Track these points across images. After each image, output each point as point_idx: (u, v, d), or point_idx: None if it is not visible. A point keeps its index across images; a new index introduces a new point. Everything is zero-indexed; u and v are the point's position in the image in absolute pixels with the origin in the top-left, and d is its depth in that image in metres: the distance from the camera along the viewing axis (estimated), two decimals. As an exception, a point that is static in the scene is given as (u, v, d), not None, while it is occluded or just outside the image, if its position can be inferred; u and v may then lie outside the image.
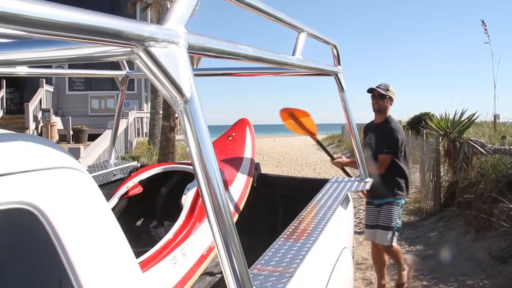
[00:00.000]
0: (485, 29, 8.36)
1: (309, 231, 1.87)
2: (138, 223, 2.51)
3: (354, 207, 8.23)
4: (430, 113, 13.86)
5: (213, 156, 0.92)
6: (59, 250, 0.71)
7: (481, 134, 6.46)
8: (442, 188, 6.64)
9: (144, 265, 1.74)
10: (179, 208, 2.14)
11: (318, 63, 2.38)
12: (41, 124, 14.25)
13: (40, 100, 14.82)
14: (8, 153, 0.71)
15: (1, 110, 15.13)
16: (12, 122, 14.23)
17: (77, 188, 0.80)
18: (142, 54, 0.80)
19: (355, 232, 6.38)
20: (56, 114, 15.91)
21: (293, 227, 1.92)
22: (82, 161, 5.97)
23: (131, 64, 1.57)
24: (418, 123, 11.88)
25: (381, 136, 3.85)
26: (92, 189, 0.84)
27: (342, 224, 2.38)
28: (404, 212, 7.23)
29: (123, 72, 3.08)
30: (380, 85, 3.95)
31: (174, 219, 2.08)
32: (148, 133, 13.76)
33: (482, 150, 5.26)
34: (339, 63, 2.73)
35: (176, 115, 11.05)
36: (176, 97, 0.88)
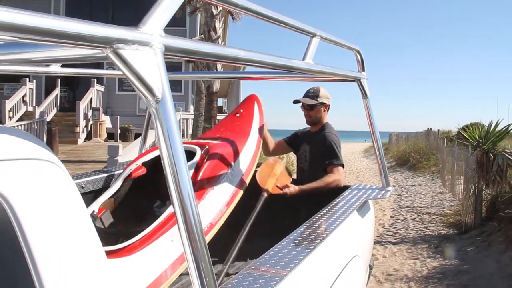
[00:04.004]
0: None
1: (315, 235, 1.85)
2: (142, 203, 2.52)
3: (392, 217, 8.11)
4: (480, 123, 13.33)
5: (183, 158, 0.95)
6: (19, 236, 0.76)
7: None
8: (484, 202, 6.37)
9: (142, 243, 1.73)
10: None
11: (338, 68, 2.35)
12: (91, 122, 14.90)
13: (91, 99, 15.50)
14: None
15: (55, 108, 15.91)
16: (64, 119, 14.94)
17: (47, 179, 0.84)
18: (111, 55, 0.85)
19: (389, 242, 6.25)
20: (106, 113, 16.56)
21: (300, 230, 1.91)
22: (120, 158, 6.19)
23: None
24: (466, 133, 11.45)
25: (320, 146, 3.13)
26: (64, 182, 0.88)
27: (355, 232, 2.34)
28: (443, 224, 7.01)
29: None
30: (308, 92, 3.27)
31: None
32: (191, 134, 14.02)
33: (518, 163, 4.99)
34: (363, 69, 2.69)
35: (218, 118, 11.26)
36: (148, 97, 0.91)
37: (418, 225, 7.25)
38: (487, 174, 5.32)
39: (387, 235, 6.73)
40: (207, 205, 2.15)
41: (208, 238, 2.03)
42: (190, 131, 15.08)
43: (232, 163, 2.49)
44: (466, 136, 5.92)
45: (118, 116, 15.64)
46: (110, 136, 15.43)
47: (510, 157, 5.06)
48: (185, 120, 15.11)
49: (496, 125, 5.57)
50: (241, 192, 2.43)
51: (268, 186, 2.75)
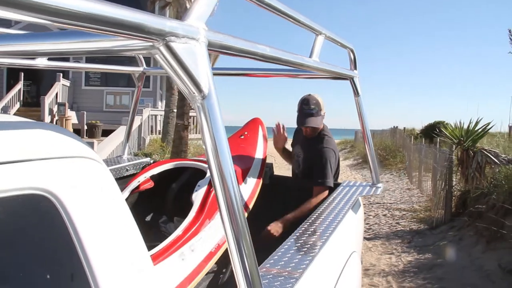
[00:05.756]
0: (511, 39, 8.29)
1: (318, 233, 1.87)
2: (148, 217, 2.52)
3: (364, 213, 8.25)
4: (444, 121, 13.76)
5: (228, 152, 0.93)
6: (72, 234, 0.73)
7: (496, 145, 6.40)
8: (453, 198, 6.59)
9: (153, 260, 1.75)
10: (189, 204, 2.14)
11: (335, 66, 2.38)
12: (56, 117, 14.46)
13: (56, 94, 15.04)
14: (28, 141, 0.73)
15: (18, 103, 15.36)
16: (28, 115, 14.39)
17: (93, 177, 0.81)
18: (162, 48, 0.81)
19: (364, 238, 6.37)
20: (72, 109, 16.10)
21: (303, 229, 1.92)
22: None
23: (148, 61, 1.57)
24: (432, 131, 11.83)
25: (312, 157, 3.00)
26: (107, 179, 0.85)
27: (351, 228, 2.38)
28: (414, 220, 7.20)
29: (140, 69, 3.10)
30: (309, 109, 2.96)
31: (184, 215, 2.08)
32: (161, 131, 13.82)
33: (496, 160, 5.23)
34: (355, 68, 2.73)
35: (190, 114, 11.11)
36: (194, 93, 0.89)
37: (390, 220, 7.42)
38: (467, 170, 5.53)
39: (361, 230, 6.86)
40: (218, 223, 2.16)
41: (219, 253, 2.04)
42: (159, 128, 14.87)
43: (240, 185, 2.53)
44: (448, 134, 6.14)
45: (85, 112, 15.21)
46: (76, 132, 14.97)
47: (489, 155, 5.28)
48: (153, 117, 14.87)
49: (476, 124, 5.81)
50: (246, 214, 2.45)
51: None
